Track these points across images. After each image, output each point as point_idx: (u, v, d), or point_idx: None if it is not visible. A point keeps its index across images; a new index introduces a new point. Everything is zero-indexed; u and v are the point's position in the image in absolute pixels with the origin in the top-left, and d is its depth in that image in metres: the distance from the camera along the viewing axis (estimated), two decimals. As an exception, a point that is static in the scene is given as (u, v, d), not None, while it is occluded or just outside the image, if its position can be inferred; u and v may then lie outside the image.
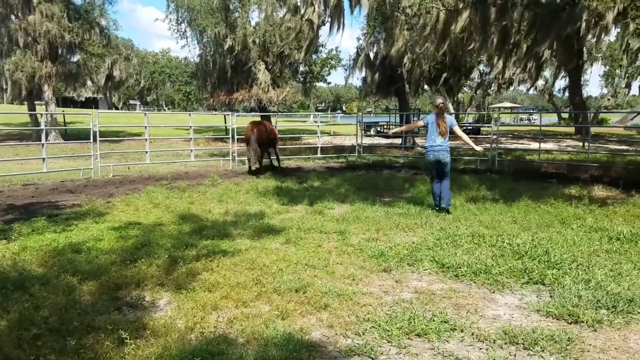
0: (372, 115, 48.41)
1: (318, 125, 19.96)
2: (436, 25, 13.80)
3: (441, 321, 4.12)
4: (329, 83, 54.76)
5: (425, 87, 32.26)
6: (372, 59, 25.26)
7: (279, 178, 12.98)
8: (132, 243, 6.38)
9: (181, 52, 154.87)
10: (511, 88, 44.47)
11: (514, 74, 31.99)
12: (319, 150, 18.50)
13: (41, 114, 18.16)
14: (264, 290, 4.79)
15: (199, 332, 3.91)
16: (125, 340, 3.64)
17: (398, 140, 22.52)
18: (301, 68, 30.18)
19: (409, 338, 3.89)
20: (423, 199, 9.59)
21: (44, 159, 12.97)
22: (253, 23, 26.46)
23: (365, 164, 17.01)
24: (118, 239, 6.62)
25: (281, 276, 5.17)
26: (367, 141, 23.62)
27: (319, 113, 30.20)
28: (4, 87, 26.52)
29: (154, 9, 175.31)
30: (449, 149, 8.66)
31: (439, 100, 8.87)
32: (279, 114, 21.66)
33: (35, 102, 29.07)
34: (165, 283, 5.00)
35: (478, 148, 9.49)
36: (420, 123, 9.10)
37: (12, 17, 25.51)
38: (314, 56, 29.33)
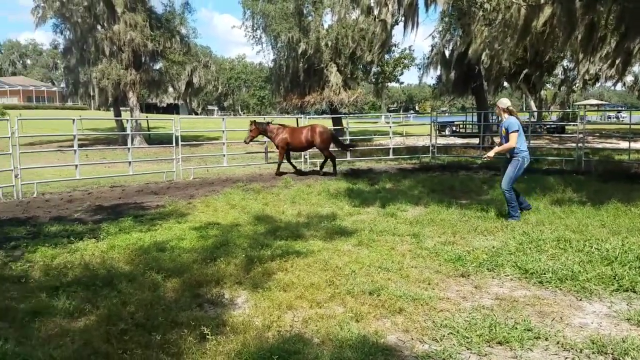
0: (446, 114, 47.34)
1: (390, 126, 19.77)
2: (516, 20, 13.23)
3: (524, 329, 3.94)
4: (402, 83, 54.11)
5: (505, 84, 31.07)
6: (447, 56, 24.70)
7: (350, 180, 12.97)
8: (211, 242, 6.62)
9: (256, 57, 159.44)
10: (597, 84, 41.87)
11: (600, 69, 30.10)
12: (391, 151, 18.32)
13: (127, 120, 19.33)
14: (338, 292, 4.80)
15: (276, 330, 3.98)
16: (207, 336, 3.78)
17: (475, 140, 21.85)
18: (373, 69, 30.04)
19: (489, 346, 3.75)
20: (503, 202, 9.22)
21: (129, 162, 13.75)
22: (326, 26, 26.75)
23: (440, 165, 16.64)
24: (199, 239, 6.89)
25: (354, 278, 5.15)
26: (441, 141, 23.09)
27: (391, 114, 29.85)
28: (92, 94, 28.44)
29: (230, 16, 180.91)
30: None
31: (509, 102, 7.94)
32: (350, 115, 21.65)
33: (121, 108, 30.96)
34: (243, 282, 5.13)
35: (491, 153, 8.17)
36: (516, 135, 7.66)
37: (99, 27, 27.26)
38: (386, 56, 29.08)
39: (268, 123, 14.80)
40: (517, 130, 7.58)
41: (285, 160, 14.73)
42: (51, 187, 12.31)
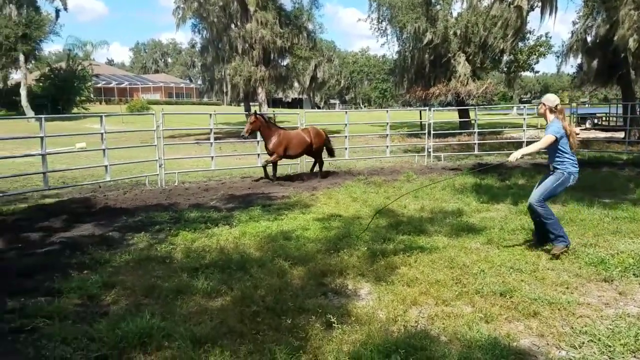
0: (587, 105, 43.43)
1: (524, 118, 18.57)
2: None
3: (677, 342, 3.50)
4: (537, 72, 50.48)
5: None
6: (589, 43, 22.59)
7: (478, 175, 12.42)
8: (334, 234, 6.73)
9: (379, 50, 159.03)
10: None
11: None
12: (524, 145, 17.20)
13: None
14: (465, 291, 4.63)
15: (402, 325, 3.94)
16: (333, 324, 3.86)
17: (620, 134, 19.81)
18: (505, 57, 28.42)
19: (635, 357, 3.42)
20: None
21: (258, 154, 14.46)
22: (454, 14, 25.87)
23: (580, 160, 15.26)
24: (322, 229, 7.05)
25: (483, 277, 4.93)
26: (582, 135, 21.23)
27: (524, 105, 28.00)
28: (225, 90, 30.32)
29: (355, 10, 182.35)
30: None
31: (556, 100, 5.86)
32: (478, 107, 20.70)
33: (250, 103, 32.67)
34: (366, 274, 5.15)
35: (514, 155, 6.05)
36: (551, 139, 5.71)
37: (232, 26, 28.95)
38: (520, 44, 27.35)
39: (269, 118, 13.10)
40: (556, 138, 5.69)
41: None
42: (190, 176, 13.37)
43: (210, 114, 14.03)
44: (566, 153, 5.75)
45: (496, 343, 3.56)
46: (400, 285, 4.79)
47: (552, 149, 5.83)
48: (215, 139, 14.04)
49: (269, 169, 12.46)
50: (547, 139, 5.73)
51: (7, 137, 19.65)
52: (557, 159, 5.82)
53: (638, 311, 4.18)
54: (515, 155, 5.89)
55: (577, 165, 5.87)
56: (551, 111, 5.77)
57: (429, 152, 16.43)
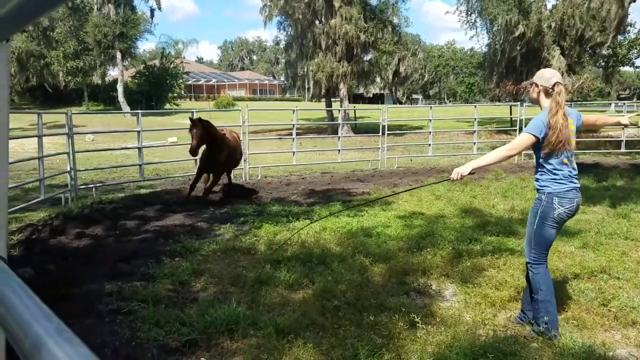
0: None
1: (623, 115, 17.23)
2: None
3: None
4: (637, 67, 46.67)
5: None
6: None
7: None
8: (416, 232, 6.61)
9: (467, 43, 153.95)
10: None
11: None
12: (623, 144, 16.03)
13: (338, 110, 20.44)
14: (558, 296, 4.32)
15: (490, 329, 3.80)
16: (417, 324, 3.79)
17: None
18: (603, 51, 26.51)
19: None
20: None
21: (339, 150, 14.51)
22: (549, 6, 24.49)
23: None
24: (403, 227, 6.94)
25: (577, 284, 4.65)
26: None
27: (623, 102, 25.95)
28: (307, 86, 30.65)
29: (441, 2, 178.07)
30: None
31: (552, 77, 3.76)
32: (574, 103, 19.47)
33: (332, 100, 32.84)
34: (450, 274, 5.02)
35: (624, 120, 4.65)
36: (529, 139, 3.73)
37: (317, 22, 29.20)
38: (619, 37, 25.40)
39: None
40: (536, 139, 3.69)
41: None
42: (272, 171, 13.68)
43: (293, 110, 14.27)
44: (548, 163, 3.73)
45: (591, 352, 3.35)
46: (488, 288, 4.61)
47: (536, 157, 3.86)
48: (297, 134, 14.25)
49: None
50: (519, 139, 3.85)
51: (105, 130, 21.16)
52: (537, 172, 3.89)
53: None
54: (459, 171, 3.83)
55: (567, 182, 3.72)
56: (547, 94, 3.73)
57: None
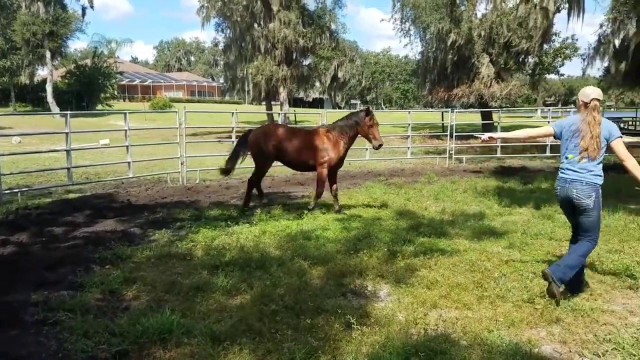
0: (612, 109, 42.62)
1: (548, 121, 18.31)
2: None
3: None
4: (562, 75, 49.68)
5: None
6: (617, 46, 22.15)
7: (500, 178, 12.27)
8: (354, 234, 6.71)
9: (402, 50, 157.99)
10: None
11: None
12: (548, 148, 16.99)
13: (278, 114, 20.44)
14: (486, 295, 4.57)
15: (421, 328, 3.91)
16: (353, 325, 3.85)
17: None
18: (530, 59, 28.01)
19: (662, 367, 3.30)
20: (682, 209, 8.06)
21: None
22: (479, 15, 25.56)
23: (605, 164, 14.99)
24: (342, 230, 7.03)
25: (505, 282, 4.86)
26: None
27: (549, 108, 27.55)
28: (247, 89, 30.47)
29: (377, 10, 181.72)
30: (596, 184, 4.57)
31: (592, 94, 4.60)
32: (501, 109, 20.47)
33: (272, 103, 32.79)
34: (385, 275, 5.12)
35: None
36: (549, 130, 4.93)
37: (255, 25, 29.09)
38: (545, 46, 26.90)
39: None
40: (553, 132, 4.86)
41: None
42: (211, 174, 13.46)
43: (232, 113, 14.11)
44: (562, 157, 4.75)
45: (517, 349, 3.51)
46: (420, 287, 4.76)
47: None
48: (237, 137, 14.09)
49: None
50: (544, 128, 5.07)
51: (33, 132, 20.06)
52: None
53: (665, 320, 4.08)
54: (487, 135, 5.12)
55: (565, 174, 4.67)
56: (585, 106, 4.61)
57: (451, 153, 16.29)
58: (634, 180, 4.60)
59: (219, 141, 20.02)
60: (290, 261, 5.51)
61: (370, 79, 79.67)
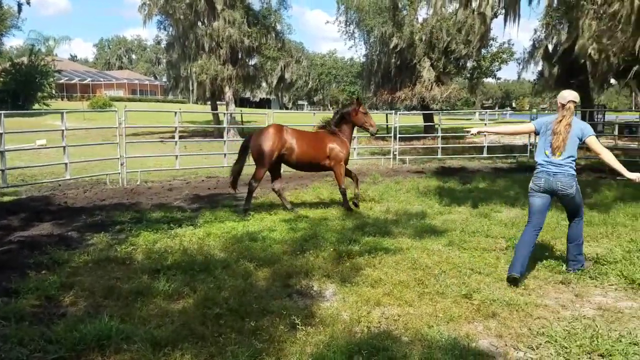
0: (546, 112, 44.78)
1: (485, 124, 19.06)
2: (629, 13, 12.16)
3: (630, 342, 3.66)
4: (499, 79, 51.79)
5: (612, 81, 28.79)
6: (550, 51, 23.33)
7: (441, 178, 12.65)
8: (300, 235, 6.74)
9: (347, 53, 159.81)
10: None
11: None
12: (485, 149, 17.65)
13: (223, 114, 20.20)
14: (427, 291, 4.71)
15: (365, 326, 3.98)
16: (297, 326, 3.87)
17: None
18: (468, 63, 29.02)
19: (590, 358, 3.52)
20: (609, 206, 8.58)
21: (224, 154, 14.33)
22: (420, 20, 26.24)
23: (534, 166, 15.76)
24: (288, 230, 7.04)
25: (444, 279, 5.03)
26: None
27: (486, 110, 28.69)
28: (191, 88, 29.91)
29: (321, 12, 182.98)
30: (572, 173, 5.19)
31: (569, 96, 5.22)
32: (442, 111, 21.13)
33: (217, 102, 32.32)
34: (331, 275, 5.18)
35: (632, 175, 5.31)
36: (530, 127, 5.63)
37: (199, 23, 28.59)
38: (483, 50, 27.96)
39: None
40: (534, 129, 5.52)
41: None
42: (153, 175, 13.14)
43: (175, 112, 13.83)
44: (540, 153, 5.33)
45: (456, 343, 3.63)
46: (365, 286, 4.84)
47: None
48: (181, 137, 13.85)
49: None
50: (526, 125, 5.84)
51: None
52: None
53: (594, 313, 4.32)
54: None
55: (547, 168, 5.20)
56: (562, 107, 5.23)
57: (395, 154, 16.63)
58: (613, 171, 5.47)
59: (162, 141, 19.56)
60: (236, 263, 5.47)
61: (317, 80, 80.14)
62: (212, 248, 6.13)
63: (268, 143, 8.19)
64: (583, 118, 22.89)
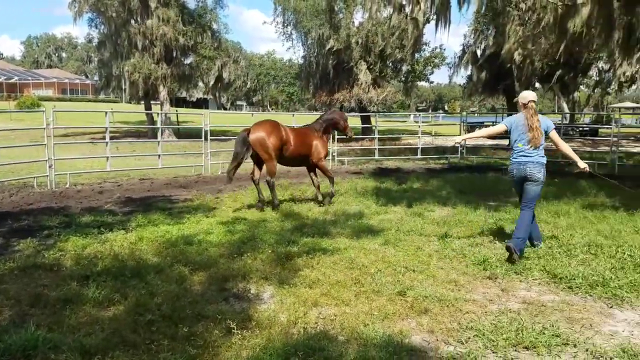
0: (476, 114, 46.68)
1: (419, 126, 19.63)
2: (552, 20, 12.94)
3: (552, 335, 3.86)
4: (432, 82, 53.58)
5: (537, 84, 30.48)
6: (478, 56, 24.38)
7: (378, 179, 12.91)
8: (238, 237, 6.67)
9: (285, 54, 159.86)
10: (634, 87, 40.69)
11: (637, 72, 29.23)
12: (419, 151, 18.17)
13: (157, 114, 19.66)
14: (363, 290, 4.79)
15: (301, 327, 3.99)
16: (233, 330, 3.82)
17: (505, 141, 21.48)
18: (403, 67, 29.78)
19: (516, 350, 3.69)
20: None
21: (159, 155, 13.97)
22: (356, 23, 26.66)
23: (469, 165, 16.43)
24: (226, 233, 6.95)
25: (380, 277, 5.13)
26: (470, 142, 22.80)
27: (420, 113, 29.60)
28: (124, 87, 28.93)
29: (259, 12, 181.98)
30: (543, 162, 5.95)
31: (529, 97, 6.08)
32: (379, 113, 21.59)
33: (151, 102, 31.41)
34: (269, 277, 5.16)
35: (583, 164, 6.10)
36: (502, 127, 6.36)
37: (132, 21, 27.70)
38: (416, 54, 28.80)
39: None
40: (506, 128, 6.25)
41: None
42: (83, 178, 12.60)
43: (106, 112, 13.31)
44: (513, 147, 6.11)
45: (390, 340, 3.71)
46: (303, 287, 4.85)
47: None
48: (112, 138, 13.36)
49: None
50: (498, 127, 6.62)
51: None
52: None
53: (519, 307, 4.53)
54: (460, 138, 7.13)
55: (518, 159, 5.98)
56: (524, 107, 6.00)
57: (334, 155, 16.79)
58: (570, 160, 6.39)
59: (92, 142, 18.79)
60: (170, 268, 5.33)
61: (256, 80, 79.58)
62: (145, 253, 5.95)
63: (274, 137, 8.61)
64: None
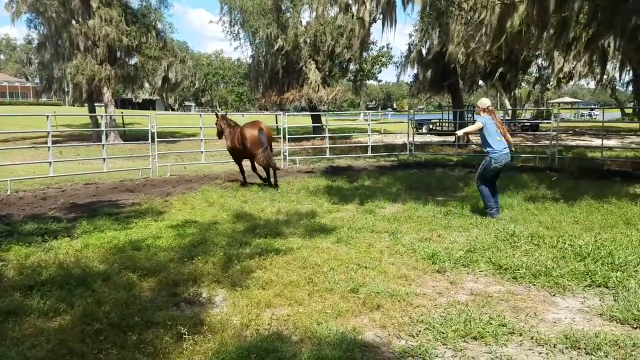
0: (423, 112, 47.78)
1: (369, 124, 19.88)
2: (492, 19, 13.40)
3: (499, 324, 4.01)
4: (380, 81, 54.38)
5: (480, 82, 31.47)
6: (424, 55, 24.90)
7: (330, 177, 13.00)
8: (189, 241, 6.57)
9: (234, 53, 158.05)
10: (571, 82, 42.72)
11: (574, 68, 30.70)
12: (369, 149, 18.40)
13: (101, 116, 19.05)
14: (317, 289, 4.81)
15: (254, 329, 3.97)
16: (184, 336, 3.76)
17: (451, 138, 22.11)
18: (351, 66, 30.07)
19: (464, 341, 3.80)
20: (478, 199, 9.36)
21: (104, 159, 13.54)
22: (304, 23, 26.68)
23: (417, 162, 16.77)
24: (176, 237, 6.83)
25: (333, 275, 5.17)
26: (418, 139, 23.30)
27: (370, 111, 30.02)
28: (66, 89, 27.88)
29: (205, 11, 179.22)
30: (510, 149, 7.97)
31: (488, 103, 8.07)
32: (329, 112, 21.79)
33: (95, 104, 30.39)
34: (221, 280, 5.11)
35: (459, 132, 8.61)
36: (479, 125, 7.88)
37: (73, 22, 26.72)
38: (364, 54, 29.13)
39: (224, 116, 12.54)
40: (482, 125, 7.82)
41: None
42: (25, 184, 12.06)
43: (48, 116, 12.79)
44: (488, 142, 7.76)
45: (344, 338, 3.75)
46: (256, 289, 4.83)
47: (481, 137, 7.94)
48: (55, 142, 12.84)
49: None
50: (476, 125, 7.96)
51: None
52: (484, 145, 7.94)
53: (467, 298, 4.68)
54: (458, 133, 8.74)
55: (504, 150, 7.77)
56: (483, 111, 7.90)
57: (285, 155, 16.77)
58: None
59: (34, 147, 18.01)
60: (117, 275, 5.19)
61: (204, 80, 78.39)
62: (91, 260, 5.77)
63: (264, 134, 10.93)
64: (454, 117, 24.77)
